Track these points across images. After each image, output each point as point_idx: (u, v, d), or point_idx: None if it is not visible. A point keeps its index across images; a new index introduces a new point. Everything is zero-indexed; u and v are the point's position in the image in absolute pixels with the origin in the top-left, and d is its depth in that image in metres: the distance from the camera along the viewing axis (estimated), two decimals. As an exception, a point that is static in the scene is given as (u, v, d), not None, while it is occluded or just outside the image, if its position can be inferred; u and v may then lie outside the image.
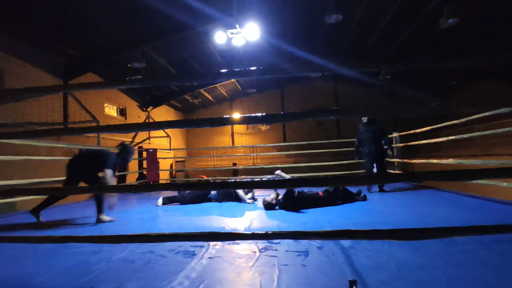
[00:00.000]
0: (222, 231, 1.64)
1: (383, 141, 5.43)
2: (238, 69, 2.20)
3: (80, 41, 8.82)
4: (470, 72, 13.97)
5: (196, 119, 1.64)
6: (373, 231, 1.39)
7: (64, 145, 6.34)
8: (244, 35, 6.14)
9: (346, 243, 2.25)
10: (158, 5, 6.54)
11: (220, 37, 6.17)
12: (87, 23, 8.04)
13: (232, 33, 6.02)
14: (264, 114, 1.54)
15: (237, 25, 5.85)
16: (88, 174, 3.60)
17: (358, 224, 2.99)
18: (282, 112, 1.40)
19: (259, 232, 1.57)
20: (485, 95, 14.25)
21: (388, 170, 7.52)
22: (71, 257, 2.21)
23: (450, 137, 5.40)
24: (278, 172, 4.67)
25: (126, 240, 1.58)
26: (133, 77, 1.60)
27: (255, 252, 2.21)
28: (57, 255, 2.26)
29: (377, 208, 4.02)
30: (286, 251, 2.20)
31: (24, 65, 8.21)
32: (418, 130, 6.40)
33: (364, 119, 5.43)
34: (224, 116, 1.60)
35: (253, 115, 1.55)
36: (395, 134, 7.35)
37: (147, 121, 13.62)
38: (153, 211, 4.41)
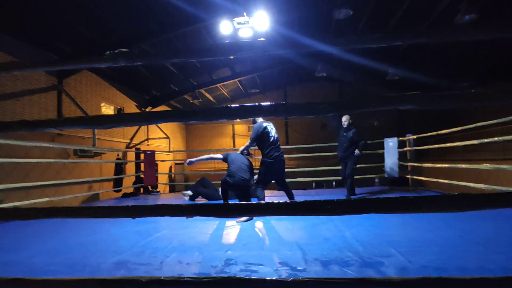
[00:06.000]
0: (238, 276, 1.14)
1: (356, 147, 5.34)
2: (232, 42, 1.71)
3: (75, 38, 8.36)
4: (482, 72, 13.51)
5: (198, 109, 1.20)
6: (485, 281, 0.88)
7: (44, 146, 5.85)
8: (252, 25, 5.63)
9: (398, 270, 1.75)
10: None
11: (225, 28, 5.66)
12: (83, 19, 7.61)
13: (239, 23, 5.51)
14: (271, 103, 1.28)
15: (244, 13, 5.35)
16: None
17: (393, 242, 2.48)
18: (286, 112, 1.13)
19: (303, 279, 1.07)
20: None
21: (402, 175, 7.09)
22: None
23: (472, 141, 4.90)
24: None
25: (95, 285, 1.08)
26: (115, 51, 1.11)
27: (277, 286, 1.71)
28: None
29: (400, 220, 3.51)
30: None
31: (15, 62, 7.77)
32: (433, 133, 6.00)
33: (345, 123, 5.42)
34: (231, 105, 1.30)
35: (260, 104, 1.28)
36: (409, 137, 6.92)
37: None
38: (152, 222, 3.89)
